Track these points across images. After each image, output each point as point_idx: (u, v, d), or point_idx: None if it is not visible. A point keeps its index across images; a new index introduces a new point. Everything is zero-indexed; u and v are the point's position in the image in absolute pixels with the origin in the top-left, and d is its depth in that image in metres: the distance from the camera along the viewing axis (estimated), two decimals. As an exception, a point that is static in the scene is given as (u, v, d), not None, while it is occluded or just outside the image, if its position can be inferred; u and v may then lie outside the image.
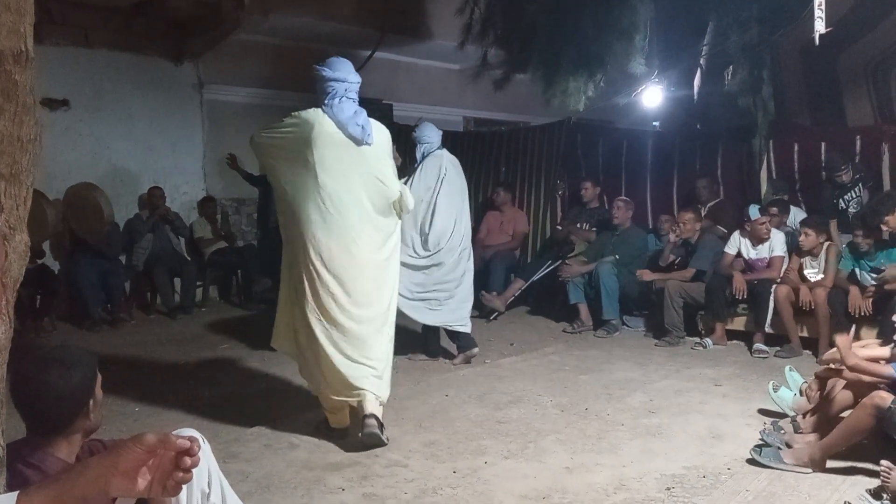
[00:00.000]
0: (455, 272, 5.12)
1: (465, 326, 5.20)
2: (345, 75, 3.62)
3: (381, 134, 3.65)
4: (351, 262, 3.49)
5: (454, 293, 5.11)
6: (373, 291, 3.58)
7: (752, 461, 3.27)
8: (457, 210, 5.18)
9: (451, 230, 5.10)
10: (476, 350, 5.26)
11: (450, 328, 5.22)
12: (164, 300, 7.26)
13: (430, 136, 5.24)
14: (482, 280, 7.31)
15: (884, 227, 5.19)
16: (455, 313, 5.15)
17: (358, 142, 3.53)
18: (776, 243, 5.79)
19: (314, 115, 3.50)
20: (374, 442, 3.46)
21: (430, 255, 5.07)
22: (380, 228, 3.60)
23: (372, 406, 3.50)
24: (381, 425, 3.50)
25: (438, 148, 5.26)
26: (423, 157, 5.20)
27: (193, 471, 1.10)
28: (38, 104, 1.60)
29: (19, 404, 1.78)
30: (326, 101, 3.54)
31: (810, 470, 3.14)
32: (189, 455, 1.06)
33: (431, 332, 5.31)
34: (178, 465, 1.07)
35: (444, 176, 5.12)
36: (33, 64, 1.55)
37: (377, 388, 3.55)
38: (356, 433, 3.52)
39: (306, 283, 3.49)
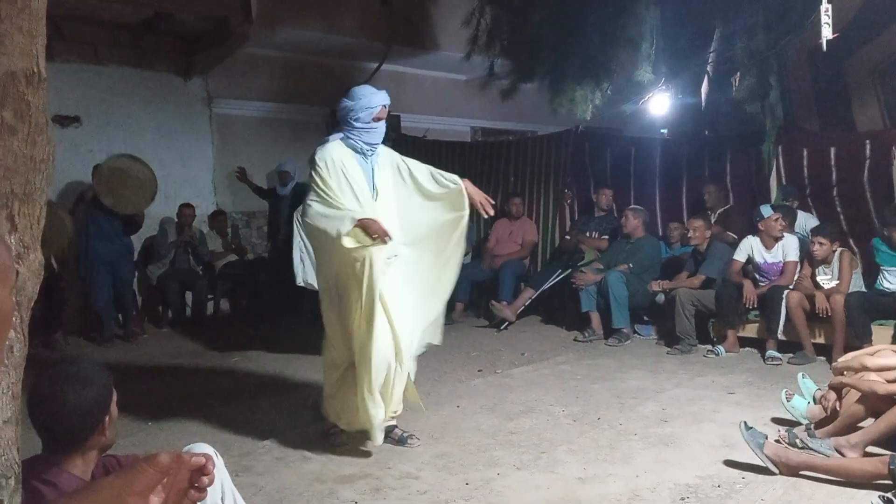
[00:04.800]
0: None
1: None
2: None
3: None
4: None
5: None
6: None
7: (763, 474, 3.25)
8: None
9: None
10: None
11: None
12: (175, 313, 7.29)
13: None
14: (492, 289, 7.33)
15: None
16: None
17: None
18: (789, 248, 5.76)
19: None
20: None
21: None
22: None
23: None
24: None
25: None
26: None
27: (207, 486, 1.11)
28: (50, 122, 1.62)
29: (36, 421, 1.79)
30: None
31: (777, 471, 3.17)
32: (204, 473, 1.07)
33: None
34: (194, 483, 1.07)
35: None
36: (46, 85, 1.57)
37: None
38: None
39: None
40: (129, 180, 6.66)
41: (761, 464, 3.26)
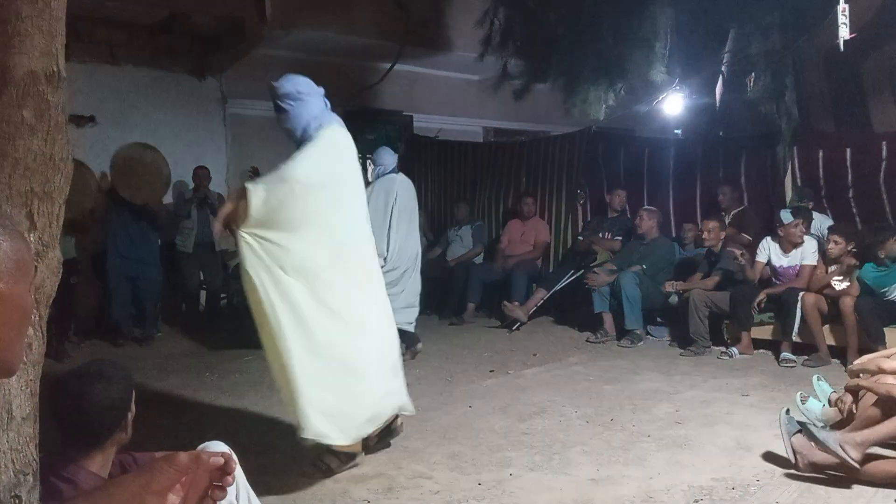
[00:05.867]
0: (400, 284, 5.54)
1: (410, 327, 5.60)
2: (320, 89, 3.51)
3: None
4: (374, 273, 3.52)
5: (399, 299, 5.47)
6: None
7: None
8: (406, 229, 5.64)
9: (400, 246, 5.55)
10: (420, 346, 5.73)
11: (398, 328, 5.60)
12: (189, 304, 7.33)
13: (385, 159, 5.71)
14: (504, 290, 7.33)
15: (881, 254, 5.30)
16: (401, 315, 5.49)
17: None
18: (808, 251, 5.72)
19: (342, 126, 3.43)
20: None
21: (383, 268, 5.33)
22: None
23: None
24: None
25: (393, 171, 5.67)
26: (377, 179, 5.66)
27: (222, 484, 1.11)
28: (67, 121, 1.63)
29: (61, 418, 1.81)
30: (327, 115, 3.42)
31: (793, 462, 3.20)
32: (227, 472, 1.07)
33: None
34: (214, 481, 1.08)
35: (396, 200, 5.56)
36: (65, 84, 1.58)
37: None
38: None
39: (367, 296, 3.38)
40: (143, 169, 6.63)
41: (781, 455, 3.28)
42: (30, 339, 1.49)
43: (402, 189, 5.66)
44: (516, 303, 6.94)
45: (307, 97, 3.41)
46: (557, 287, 7.01)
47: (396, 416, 3.64)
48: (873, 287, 5.32)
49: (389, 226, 5.48)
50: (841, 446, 3.10)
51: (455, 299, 7.56)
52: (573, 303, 7.10)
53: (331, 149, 3.34)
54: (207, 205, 7.27)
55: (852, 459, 3.05)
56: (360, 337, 3.28)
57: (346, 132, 3.43)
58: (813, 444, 3.19)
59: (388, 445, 3.66)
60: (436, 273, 7.82)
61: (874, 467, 3.06)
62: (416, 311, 5.72)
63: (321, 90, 3.48)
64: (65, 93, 1.57)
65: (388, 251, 5.46)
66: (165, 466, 1.04)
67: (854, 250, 5.52)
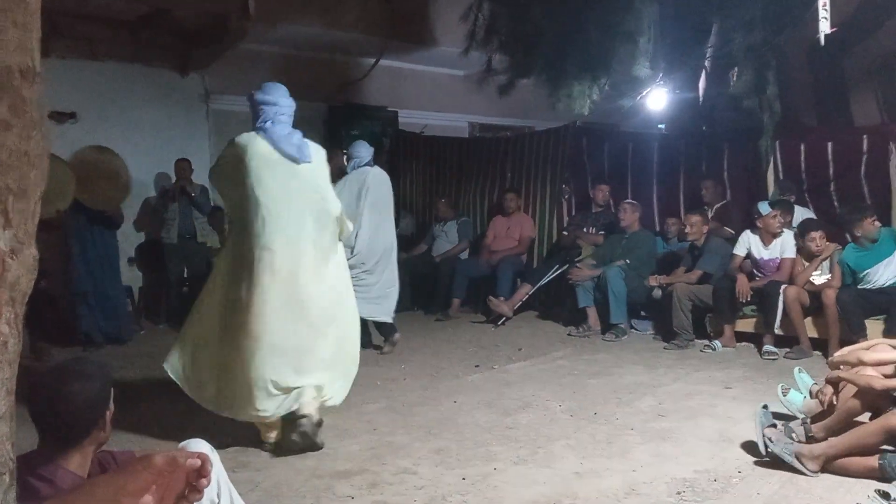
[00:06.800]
0: (374, 275, 5.65)
1: (387, 318, 5.76)
2: (276, 99, 3.75)
3: (319, 154, 3.81)
4: (292, 276, 3.56)
5: (373, 291, 5.63)
6: (327, 306, 3.69)
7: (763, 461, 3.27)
8: (378, 221, 5.73)
9: (370, 237, 5.65)
10: (398, 335, 5.81)
11: (374, 319, 5.71)
12: (171, 309, 7.27)
13: (360, 153, 5.81)
14: (489, 285, 7.34)
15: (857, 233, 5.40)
16: (378, 307, 5.68)
17: (295, 160, 3.65)
18: (787, 244, 5.77)
19: (248, 137, 3.67)
20: (308, 444, 3.55)
21: (352, 259, 5.48)
22: (319, 243, 3.70)
23: (310, 407, 3.58)
24: (314, 426, 3.56)
25: (368, 164, 5.77)
26: (351, 171, 5.76)
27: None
28: (46, 117, 1.61)
29: (38, 417, 1.79)
30: (258, 124, 3.69)
31: (764, 452, 3.25)
32: (202, 475, 1.07)
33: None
34: (191, 482, 1.07)
35: (367, 191, 5.67)
36: (41, 79, 1.56)
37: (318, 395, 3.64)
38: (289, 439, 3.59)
39: (250, 296, 3.52)
40: (100, 173, 6.45)
41: (758, 456, 3.30)
42: (5, 336, 1.47)
43: (375, 182, 5.72)
44: (502, 298, 6.96)
45: (252, 108, 3.80)
46: (542, 282, 7.04)
47: (303, 416, 3.56)
48: (855, 269, 5.40)
49: (360, 219, 5.54)
50: (797, 458, 3.15)
51: (441, 295, 7.57)
52: (558, 297, 7.12)
53: (225, 161, 3.76)
54: (188, 196, 7.22)
55: (809, 471, 3.12)
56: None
57: (260, 144, 3.62)
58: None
59: (317, 447, 3.58)
60: (422, 269, 7.83)
61: (850, 462, 3.09)
62: (392, 301, 5.77)
63: (280, 102, 3.75)
64: (41, 88, 1.56)
65: (355, 242, 5.52)
66: (140, 468, 1.04)
67: (822, 247, 5.60)
